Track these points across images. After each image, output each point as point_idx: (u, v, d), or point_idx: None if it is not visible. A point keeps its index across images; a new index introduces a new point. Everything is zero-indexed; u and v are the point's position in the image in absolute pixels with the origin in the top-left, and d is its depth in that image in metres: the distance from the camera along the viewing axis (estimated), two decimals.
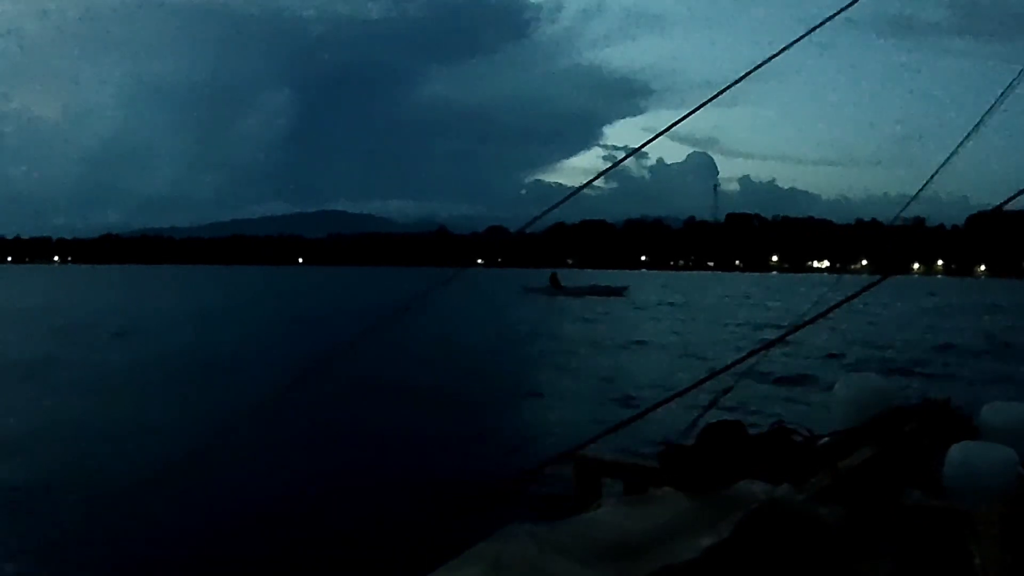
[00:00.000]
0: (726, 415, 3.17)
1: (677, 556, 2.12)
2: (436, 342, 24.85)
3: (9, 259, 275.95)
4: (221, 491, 9.64)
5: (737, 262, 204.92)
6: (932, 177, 5.47)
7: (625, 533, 2.30)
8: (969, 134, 5.48)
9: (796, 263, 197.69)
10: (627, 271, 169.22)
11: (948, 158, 5.43)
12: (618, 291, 47.54)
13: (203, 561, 6.91)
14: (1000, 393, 6.87)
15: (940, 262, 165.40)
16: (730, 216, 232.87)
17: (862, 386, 3.76)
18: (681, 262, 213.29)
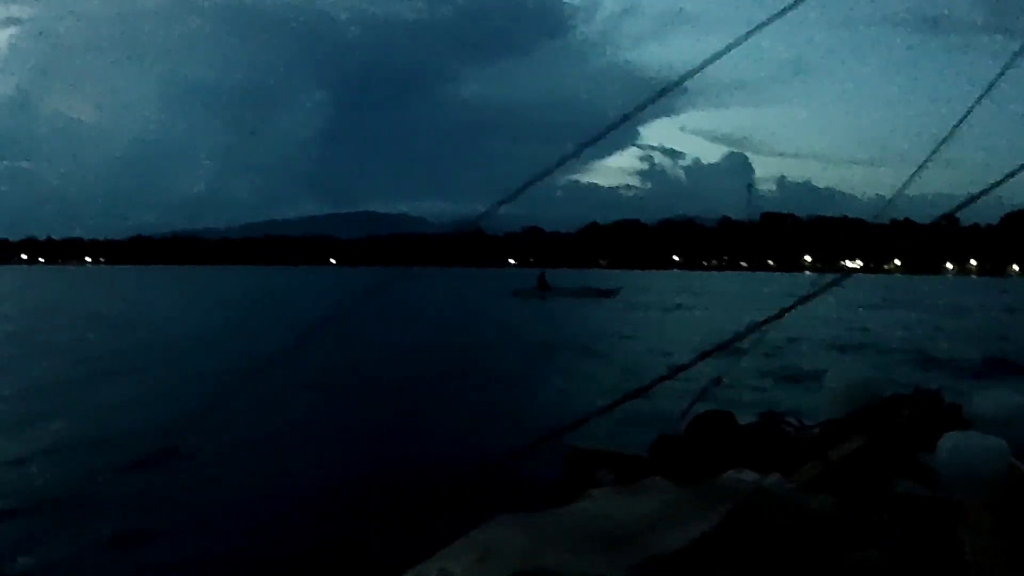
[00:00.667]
0: (716, 406, 3.17)
1: (667, 545, 2.11)
2: (409, 341, 24.88)
3: (41, 260, 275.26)
4: (219, 478, 9.65)
5: (770, 262, 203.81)
6: (918, 171, 5.47)
7: (615, 522, 2.29)
8: (954, 127, 5.47)
9: (829, 263, 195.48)
10: (659, 271, 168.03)
11: (935, 149, 5.42)
12: (609, 293, 46.97)
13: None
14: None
15: (973, 261, 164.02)
16: (764, 215, 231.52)
17: (853, 377, 3.76)
18: (714, 262, 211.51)
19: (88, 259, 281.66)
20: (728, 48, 2.84)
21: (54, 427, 12.49)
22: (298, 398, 14.21)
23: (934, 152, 5.44)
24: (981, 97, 5.28)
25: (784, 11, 2.68)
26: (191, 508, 8.77)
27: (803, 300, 1.93)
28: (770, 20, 2.68)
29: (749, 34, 2.84)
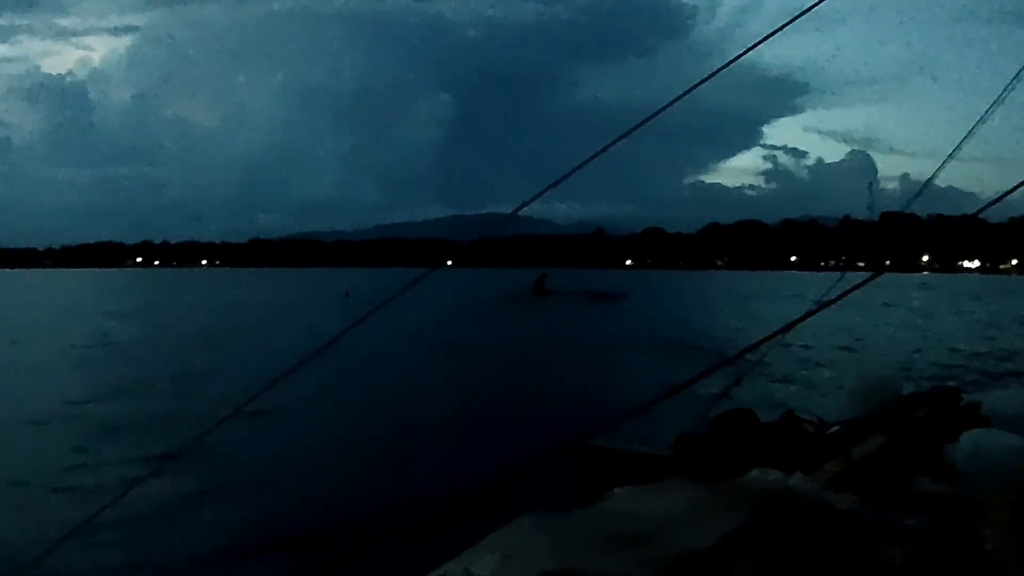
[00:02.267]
0: (737, 405, 3.18)
1: (693, 544, 2.12)
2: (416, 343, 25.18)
3: (156, 263, 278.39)
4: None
5: (888, 262, 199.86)
6: (943, 165, 5.49)
7: (638, 522, 2.30)
8: (975, 126, 5.49)
9: (947, 263, 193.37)
10: (779, 272, 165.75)
11: (952, 153, 5.44)
12: (615, 296, 45.53)
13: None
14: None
15: None
16: (884, 215, 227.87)
17: (874, 377, 3.77)
18: (832, 262, 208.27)
19: (204, 261, 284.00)
20: (748, 48, 2.85)
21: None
22: (317, 399, 14.40)
23: (953, 153, 5.47)
24: (995, 103, 5.27)
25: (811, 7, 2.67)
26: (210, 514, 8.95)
27: (826, 303, 1.93)
28: (795, 18, 2.68)
29: (762, 41, 2.85)
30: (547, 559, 2.08)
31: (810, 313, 2.29)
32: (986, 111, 5.28)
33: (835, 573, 2.07)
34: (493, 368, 20.89)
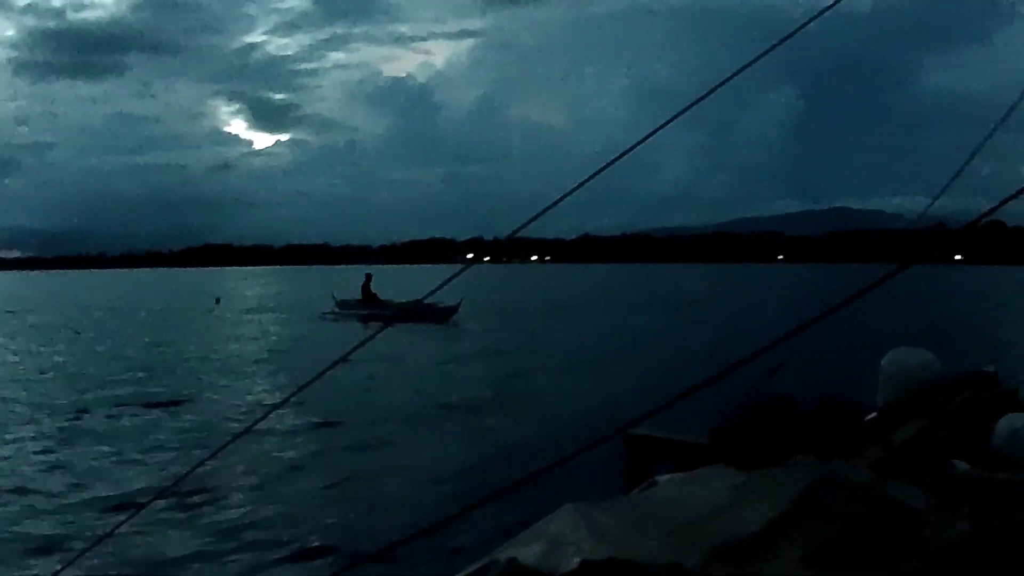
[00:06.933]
0: (775, 391, 3.17)
1: (734, 532, 2.14)
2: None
3: (486, 259, 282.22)
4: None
5: None
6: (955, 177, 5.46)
7: (680, 510, 2.32)
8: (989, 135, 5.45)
9: None
10: None
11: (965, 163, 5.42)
12: (440, 314, 42.13)
13: None
14: None
15: None
16: None
17: (909, 360, 3.75)
18: None
19: (534, 258, 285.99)
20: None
21: None
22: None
23: (965, 164, 5.40)
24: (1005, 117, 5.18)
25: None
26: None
27: (847, 301, 1.93)
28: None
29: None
30: (591, 547, 2.10)
31: (831, 309, 2.29)
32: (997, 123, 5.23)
33: (880, 559, 2.08)
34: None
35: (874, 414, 3.36)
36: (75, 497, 10.25)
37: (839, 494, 2.19)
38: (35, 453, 12.97)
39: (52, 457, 12.65)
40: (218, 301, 54.78)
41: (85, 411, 16.38)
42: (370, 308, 38.94)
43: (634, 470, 3.14)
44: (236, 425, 13.62)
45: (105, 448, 13.13)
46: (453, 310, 37.67)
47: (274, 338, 34.38)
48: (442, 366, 23.26)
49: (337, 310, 41.04)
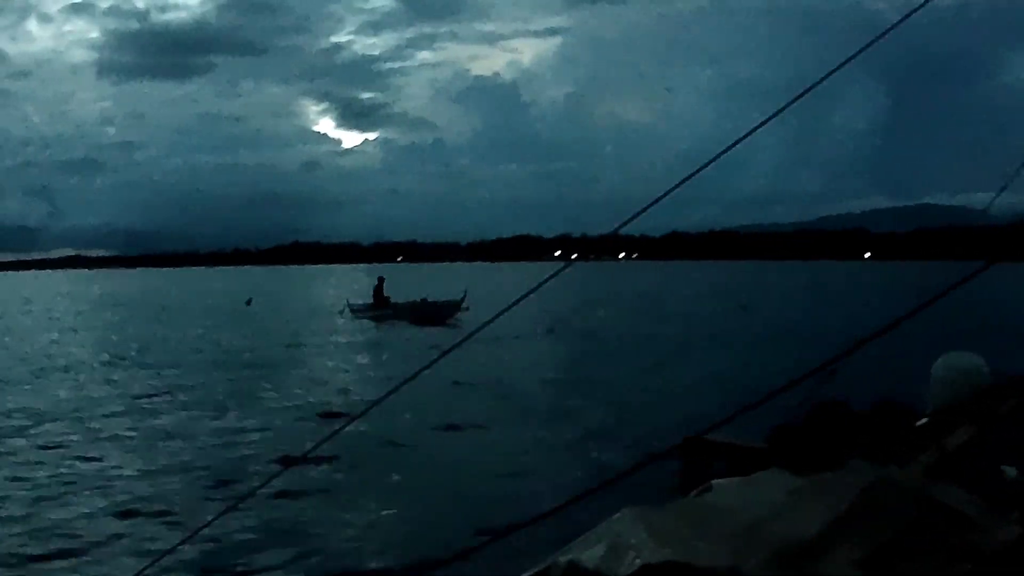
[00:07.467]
0: (830, 397, 3.22)
1: (791, 536, 2.18)
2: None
3: (574, 256, 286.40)
4: None
5: None
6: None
7: (738, 513, 2.37)
8: None
9: None
10: None
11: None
12: (449, 309, 40.09)
13: None
14: None
15: None
16: None
17: (960, 365, 3.75)
18: None
19: (621, 255, 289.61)
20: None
21: None
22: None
23: None
24: None
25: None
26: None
27: (924, 305, 1.97)
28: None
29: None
30: (650, 551, 2.15)
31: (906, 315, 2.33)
32: None
33: (931, 563, 2.13)
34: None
35: (925, 419, 3.37)
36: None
37: (892, 499, 2.23)
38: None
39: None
40: (249, 302, 55.10)
41: None
42: (381, 310, 41.04)
43: (690, 473, 3.20)
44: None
45: None
46: (456, 307, 38.50)
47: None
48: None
49: (350, 313, 42.68)
